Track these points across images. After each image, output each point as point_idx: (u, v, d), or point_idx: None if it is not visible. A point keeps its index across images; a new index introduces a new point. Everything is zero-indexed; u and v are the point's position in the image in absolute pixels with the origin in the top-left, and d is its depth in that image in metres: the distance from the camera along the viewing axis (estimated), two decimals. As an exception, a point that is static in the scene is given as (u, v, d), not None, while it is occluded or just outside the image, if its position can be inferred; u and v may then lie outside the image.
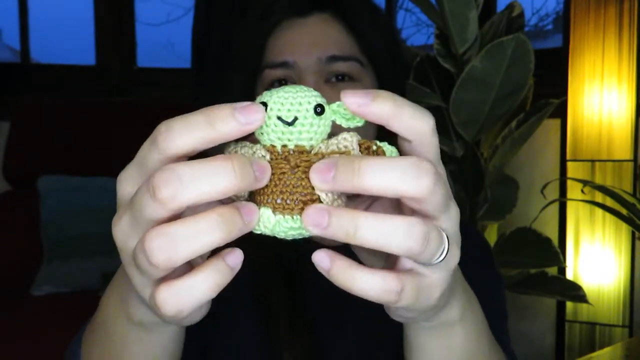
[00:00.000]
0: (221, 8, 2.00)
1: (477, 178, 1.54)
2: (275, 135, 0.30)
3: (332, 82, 0.64)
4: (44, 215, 1.76)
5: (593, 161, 1.58)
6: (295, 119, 0.30)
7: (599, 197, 1.51)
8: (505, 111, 1.42)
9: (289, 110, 0.30)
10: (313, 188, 0.30)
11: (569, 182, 1.59)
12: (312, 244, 0.53)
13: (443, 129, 1.55)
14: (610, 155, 1.55)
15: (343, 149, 0.30)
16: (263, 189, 0.30)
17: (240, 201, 0.30)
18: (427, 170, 0.28)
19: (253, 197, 0.31)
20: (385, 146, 0.31)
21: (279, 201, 0.30)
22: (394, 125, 0.30)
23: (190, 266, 0.30)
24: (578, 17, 1.58)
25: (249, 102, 0.30)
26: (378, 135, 0.63)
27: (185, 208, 0.28)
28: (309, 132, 0.30)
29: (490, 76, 1.35)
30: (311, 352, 0.64)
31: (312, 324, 0.65)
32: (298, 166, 0.30)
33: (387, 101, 0.29)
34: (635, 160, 1.53)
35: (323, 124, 0.31)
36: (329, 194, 0.30)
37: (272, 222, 0.30)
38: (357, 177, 0.28)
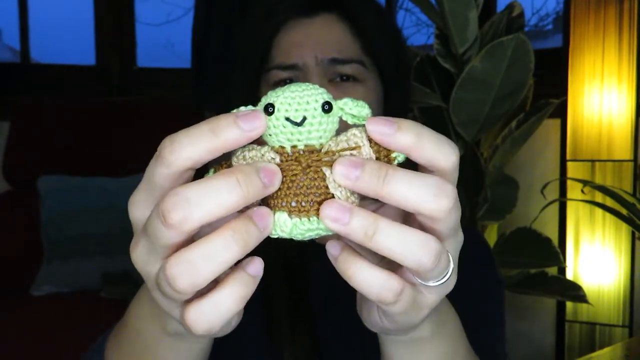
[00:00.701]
0: (221, 8, 2.00)
1: (477, 178, 1.53)
2: (285, 137, 0.30)
3: (336, 82, 0.65)
4: (44, 215, 1.76)
5: (593, 161, 1.57)
6: (304, 118, 0.29)
7: (599, 197, 1.51)
8: (505, 111, 1.42)
9: (296, 110, 0.29)
10: (327, 188, 0.29)
11: (569, 182, 1.59)
12: (316, 245, 0.53)
13: (443, 129, 1.55)
14: (610, 155, 1.55)
15: (354, 145, 0.30)
16: (276, 192, 0.29)
17: (252, 208, 0.29)
18: (449, 192, 0.29)
19: (267, 200, 0.30)
20: None
21: (293, 204, 0.29)
22: (416, 157, 0.30)
23: (215, 280, 0.30)
24: (578, 17, 1.58)
25: (250, 109, 0.30)
26: None
27: (199, 228, 0.28)
28: (318, 131, 0.30)
29: (490, 76, 1.35)
30: (312, 354, 0.64)
31: (313, 326, 0.65)
32: (310, 166, 0.29)
33: (409, 134, 0.29)
34: (635, 160, 1.53)
35: (331, 122, 0.30)
36: (344, 193, 0.30)
37: (289, 226, 0.29)
38: (382, 183, 0.28)
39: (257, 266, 0.30)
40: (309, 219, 0.29)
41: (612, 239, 1.57)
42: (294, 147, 0.30)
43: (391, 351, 0.41)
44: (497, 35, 1.48)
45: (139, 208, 0.32)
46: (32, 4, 2.23)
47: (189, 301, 0.29)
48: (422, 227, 0.31)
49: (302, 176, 0.29)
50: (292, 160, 0.30)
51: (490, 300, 0.69)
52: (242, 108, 0.30)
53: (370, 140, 0.30)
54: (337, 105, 0.30)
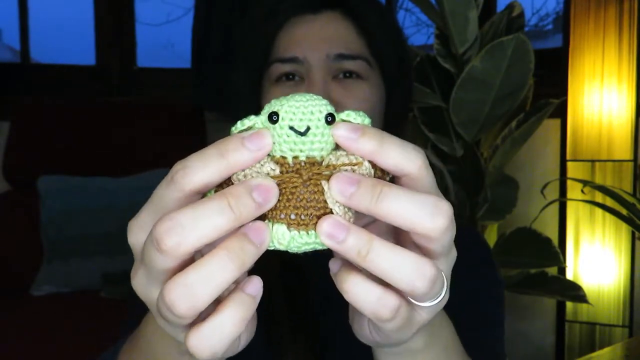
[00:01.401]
0: (221, 8, 2.00)
1: (477, 178, 1.53)
2: (287, 146, 0.29)
3: (339, 79, 0.65)
4: (44, 215, 1.76)
5: (593, 161, 1.57)
6: (308, 128, 0.29)
7: (599, 197, 1.51)
8: (505, 111, 1.42)
9: (301, 120, 0.29)
10: (326, 202, 0.29)
11: (569, 182, 1.59)
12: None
13: (443, 129, 1.55)
14: (610, 155, 1.55)
15: (354, 160, 0.30)
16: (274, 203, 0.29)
17: (247, 224, 0.29)
18: (444, 211, 0.29)
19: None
20: None
21: (292, 217, 0.29)
22: (380, 163, 0.30)
23: (217, 300, 0.30)
24: (578, 17, 1.58)
25: (255, 130, 0.30)
26: None
27: (193, 252, 0.28)
28: (321, 142, 0.29)
29: (490, 76, 1.35)
30: (314, 356, 0.64)
31: (315, 328, 0.65)
32: (310, 179, 0.29)
33: (372, 140, 0.29)
34: (635, 160, 1.53)
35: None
36: (341, 208, 0.29)
37: (286, 239, 0.29)
38: (376, 200, 0.28)
39: (255, 286, 0.30)
40: (308, 233, 0.29)
41: (612, 239, 1.57)
42: (295, 157, 0.29)
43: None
44: (497, 35, 1.48)
45: (139, 232, 0.32)
46: (32, 4, 2.23)
47: (192, 325, 0.29)
48: (416, 244, 0.31)
49: (302, 189, 0.29)
50: (293, 172, 0.29)
51: (490, 301, 0.69)
52: (246, 121, 0.30)
53: None
54: (339, 117, 0.30)
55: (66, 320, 1.49)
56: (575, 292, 1.48)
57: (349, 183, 0.29)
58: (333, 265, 0.31)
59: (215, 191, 0.30)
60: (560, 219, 1.63)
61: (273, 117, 0.29)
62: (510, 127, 1.48)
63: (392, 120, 0.68)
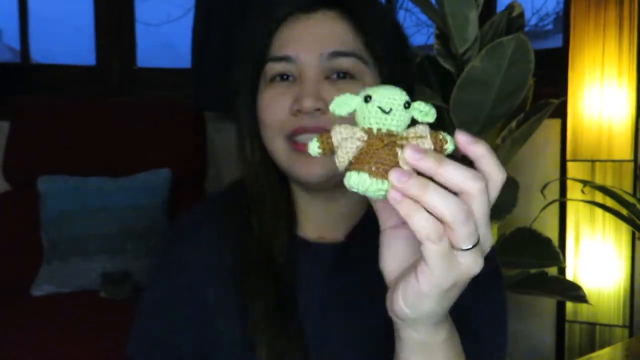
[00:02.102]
0: (221, 8, 2.00)
1: (477, 178, 1.53)
2: (374, 120, 0.40)
3: (332, 79, 0.64)
4: (44, 215, 1.76)
5: (593, 161, 1.58)
6: (391, 109, 0.40)
7: (599, 197, 1.51)
8: (505, 111, 1.42)
9: (386, 103, 0.40)
10: (397, 163, 0.40)
11: (569, 182, 1.59)
12: (302, 248, 0.67)
13: (443, 129, 1.55)
14: (610, 156, 1.55)
15: (420, 134, 0.41)
16: (360, 158, 0.40)
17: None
18: (480, 179, 0.40)
19: (351, 164, 0.41)
20: (447, 136, 0.41)
21: (373, 169, 0.40)
22: (440, 180, 0.40)
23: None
24: (578, 17, 1.58)
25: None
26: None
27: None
28: (398, 121, 0.40)
29: (490, 76, 1.35)
30: (293, 346, 0.64)
31: (299, 330, 0.66)
32: (388, 145, 0.40)
33: (430, 162, 0.39)
34: (635, 160, 1.53)
35: (407, 116, 0.41)
36: (407, 168, 0.40)
37: (367, 183, 0.40)
38: (438, 165, 0.39)
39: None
40: (382, 182, 0.40)
41: (612, 239, 1.57)
42: (379, 129, 0.40)
43: (406, 354, 0.49)
44: (497, 35, 1.48)
45: None
46: (32, 4, 2.24)
47: None
48: None
49: (382, 151, 0.40)
50: (376, 138, 0.40)
51: (494, 309, 0.69)
52: (347, 98, 0.41)
53: (430, 134, 0.41)
54: (413, 105, 0.41)
55: (66, 320, 1.49)
56: (575, 292, 1.48)
57: (418, 151, 0.39)
58: (395, 194, 0.39)
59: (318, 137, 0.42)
60: (560, 219, 1.63)
61: (367, 99, 0.40)
62: (510, 127, 1.48)
63: None
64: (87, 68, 2.27)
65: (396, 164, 0.40)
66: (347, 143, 0.41)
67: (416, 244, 0.43)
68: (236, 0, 1.95)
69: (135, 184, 1.80)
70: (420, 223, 0.39)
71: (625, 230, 1.54)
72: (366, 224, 0.70)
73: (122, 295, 1.58)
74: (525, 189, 1.70)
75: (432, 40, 1.53)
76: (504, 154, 1.50)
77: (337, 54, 0.64)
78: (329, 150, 0.42)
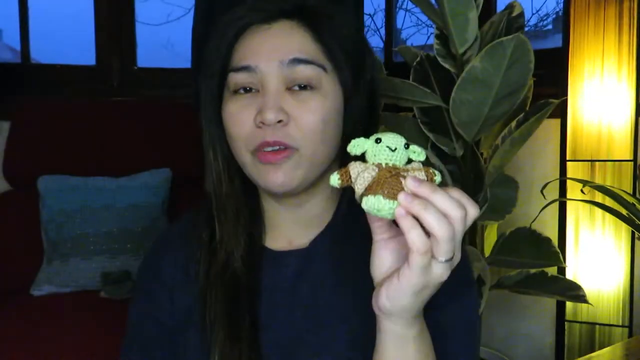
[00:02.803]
0: (221, 8, 1.99)
1: (477, 178, 1.53)
2: (383, 157, 0.53)
3: (293, 90, 0.65)
4: (44, 215, 1.76)
5: (593, 161, 1.58)
6: (396, 149, 0.53)
7: (599, 197, 1.51)
8: (505, 111, 1.42)
9: (392, 144, 0.53)
10: (402, 188, 0.51)
11: (568, 182, 1.59)
12: (268, 258, 0.72)
13: (443, 129, 1.55)
14: (610, 155, 1.55)
15: (417, 168, 0.53)
16: (374, 186, 0.51)
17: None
18: (461, 208, 0.50)
19: (367, 190, 0.51)
20: (436, 171, 0.53)
21: (386, 192, 0.51)
22: (434, 204, 0.50)
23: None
24: (578, 17, 1.58)
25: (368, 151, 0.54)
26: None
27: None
28: (400, 157, 0.53)
29: (490, 76, 1.35)
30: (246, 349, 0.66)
31: (253, 338, 0.67)
32: (394, 175, 0.51)
33: (425, 191, 0.50)
34: (635, 160, 1.53)
35: (406, 155, 0.53)
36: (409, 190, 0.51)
37: (382, 203, 0.50)
38: (431, 193, 0.49)
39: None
40: (392, 202, 0.50)
41: (612, 239, 1.57)
42: (386, 164, 0.52)
43: (386, 345, 0.58)
44: (497, 35, 1.48)
45: None
46: (32, 4, 2.23)
47: None
48: None
49: (390, 179, 0.51)
50: (385, 170, 0.52)
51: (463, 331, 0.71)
52: (360, 142, 0.54)
53: (423, 169, 0.53)
54: (411, 147, 0.53)
55: (66, 320, 1.49)
56: (575, 292, 1.48)
57: (417, 180, 0.50)
58: (401, 210, 0.49)
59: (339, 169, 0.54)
60: (560, 219, 1.63)
61: (377, 140, 0.53)
62: (510, 127, 1.48)
63: (352, 129, 0.67)
64: (87, 68, 2.27)
65: (402, 190, 0.51)
66: (364, 174, 0.52)
67: (401, 255, 0.55)
68: (236, 1, 1.95)
69: (135, 184, 1.80)
70: (415, 237, 0.49)
71: (625, 230, 1.54)
72: (330, 231, 0.72)
73: (122, 295, 1.58)
74: (525, 188, 1.70)
75: (432, 40, 1.53)
76: (504, 154, 1.50)
77: (296, 61, 0.65)
78: (347, 182, 0.53)
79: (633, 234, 1.53)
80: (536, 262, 1.51)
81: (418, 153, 0.54)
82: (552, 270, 1.55)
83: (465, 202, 0.50)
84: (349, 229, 0.70)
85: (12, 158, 1.90)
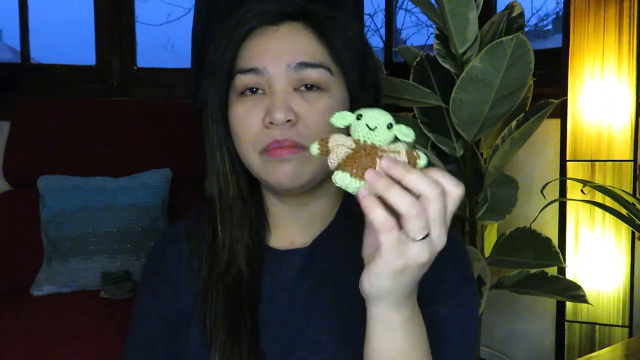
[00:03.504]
0: (221, 8, 1.99)
1: (477, 178, 1.53)
2: (362, 134, 0.50)
3: (300, 91, 0.66)
4: (44, 215, 1.76)
5: (593, 161, 1.58)
6: (376, 127, 0.50)
7: (599, 197, 1.51)
8: (505, 111, 1.42)
9: (372, 122, 0.50)
10: (374, 168, 0.49)
11: (568, 182, 1.59)
12: (271, 257, 0.72)
13: (443, 129, 1.55)
14: (610, 156, 1.55)
15: (396, 149, 0.50)
16: (347, 161, 0.50)
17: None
18: (435, 187, 0.47)
19: (339, 165, 0.50)
20: (422, 154, 0.50)
21: (354, 170, 0.49)
22: (406, 185, 0.48)
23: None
24: (578, 17, 1.58)
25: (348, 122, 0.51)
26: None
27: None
28: (380, 137, 0.50)
29: (490, 76, 1.35)
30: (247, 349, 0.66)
31: (253, 337, 0.68)
32: (369, 154, 0.50)
33: (398, 171, 0.48)
34: (635, 160, 1.53)
35: (390, 134, 0.50)
36: (382, 173, 0.49)
37: (347, 181, 0.49)
38: (404, 173, 0.47)
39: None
40: (359, 181, 0.49)
41: (612, 239, 1.57)
42: (365, 142, 0.50)
43: (375, 333, 0.56)
44: (497, 35, 1.48)
45: None
46: (32, 4, 2.23)
47: None
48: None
49: (364, 158, 0.50)
50: (361, 148, 0.50)
51: (465, 320, 0.71)
52: (345, 115, 0.51)
53: (407, 151, 0.51)
54: (395, 127, 0.50)
55: (66, 320, 1.49)
56: (575, 292, 1.49)
57: (391, 161, 0.48)
58: (364, 190, 0.48)
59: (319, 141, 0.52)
60: (560, 219, 1.63)
61: (359, 116, 0.50)
62: (510, 127, 1.48)
63: None
64: (87, 68, 2.27)
65: (372, 168, 0.50)
66: (338, 149, 0.50)
67: None
68: (236, 1, 1.95)
69: (135, 184, 1.80)
70: (376, 216, 0.48)
71: (625, 230, 1.54)
72: (333, 230, 0.72)
73: (122, 295, 1.58)
74: (525, 188, 1.70)
75: (432, 40, 1.53)
76: (504, 154, 1.50)
77: (303, 65, 0.65)
78: (326, 152, 0.51)
79: (633, 234, 1.53)
80: (536, 262, 1.52)
81: (405, 134, 0.51)
82: (552, 270, 1.55)
83: (443, 180, 0.48)
84: (352, 228, 0.71)
85: (12, 158, 1.90)
